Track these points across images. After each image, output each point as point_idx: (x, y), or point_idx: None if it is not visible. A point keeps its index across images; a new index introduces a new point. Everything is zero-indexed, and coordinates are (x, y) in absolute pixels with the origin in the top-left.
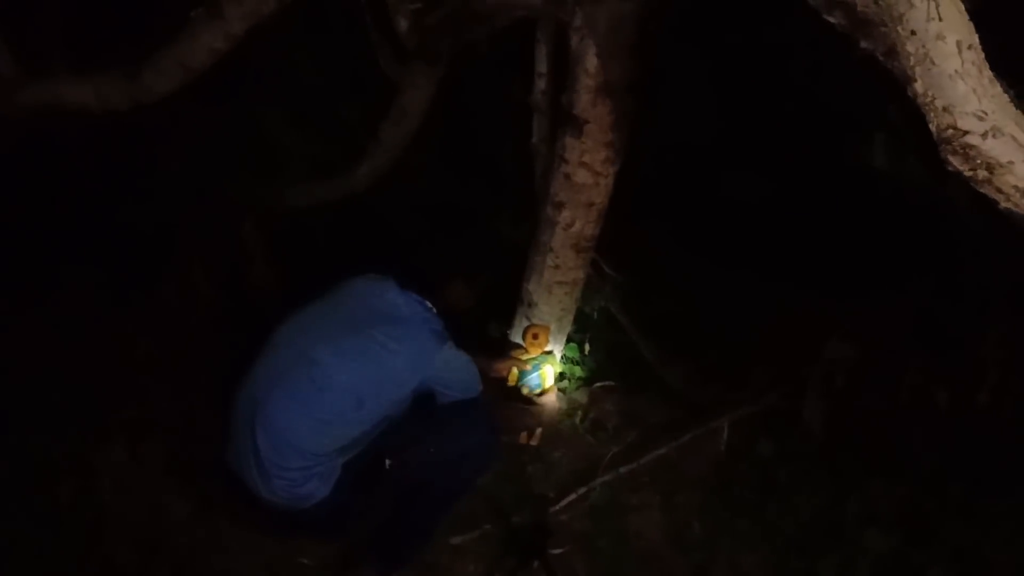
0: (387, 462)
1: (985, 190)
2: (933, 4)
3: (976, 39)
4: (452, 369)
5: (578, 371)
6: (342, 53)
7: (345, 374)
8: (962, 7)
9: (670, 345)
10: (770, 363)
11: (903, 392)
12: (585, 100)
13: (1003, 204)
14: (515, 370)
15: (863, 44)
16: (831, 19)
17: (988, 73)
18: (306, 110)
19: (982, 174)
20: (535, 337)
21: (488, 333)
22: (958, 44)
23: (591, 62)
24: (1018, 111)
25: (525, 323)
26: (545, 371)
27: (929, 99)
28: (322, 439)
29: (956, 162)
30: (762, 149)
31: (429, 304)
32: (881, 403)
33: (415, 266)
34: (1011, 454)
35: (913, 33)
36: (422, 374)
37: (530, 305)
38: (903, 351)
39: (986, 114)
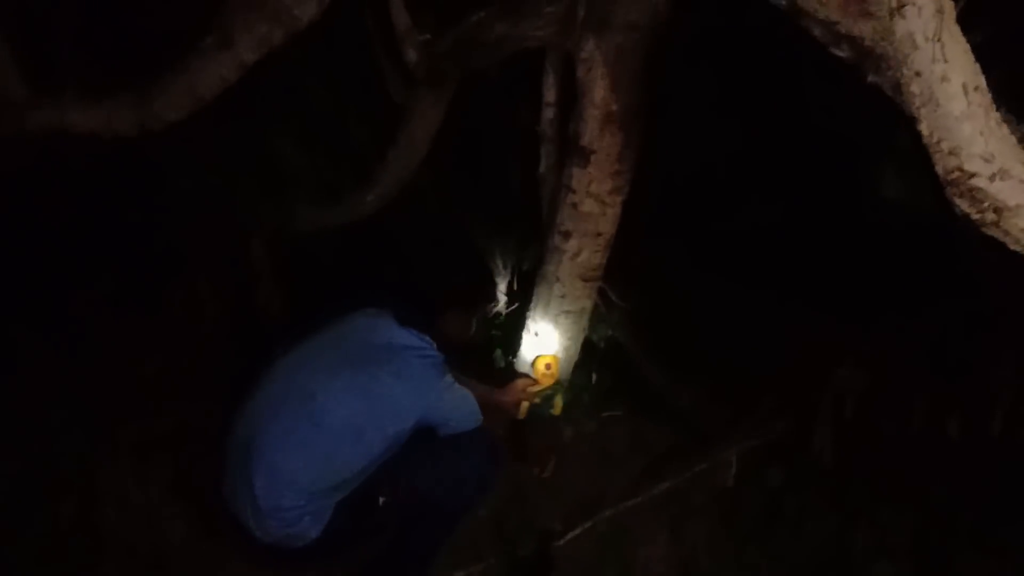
0: (380, 500)
1: (993, 232)
2: (939, 46)
3: (982, 80)
4: (451, 403)
5: (586, 399)
6: (351, 78)
7: (343, 410)
8: (968, 48)
9: (679, 372)
10: (780, 389)
11: (914, 420)
12: (592, 130)
13: (1012, 247)
14: (525, 401)
15: (871, 78)
16: (839, 53)
17: (995, 115)
18: (315, 133)
19: (989, 217)
20: (545, 367)
21: (495, 363)
22: (964, 86)
23: (598, 92)
24: None
25: (532, 352)
26: (554, 401)
27: (935, 141)
28: (319, 476)
29: (963, 205)
30: (774, 173)
31: (428, 338)
32: (892, 431)
33: (416, 297)
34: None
35: (918, 74)
36: (421, 409)
37: (537, 334)
38: (914, 378)
39: (993, 157)
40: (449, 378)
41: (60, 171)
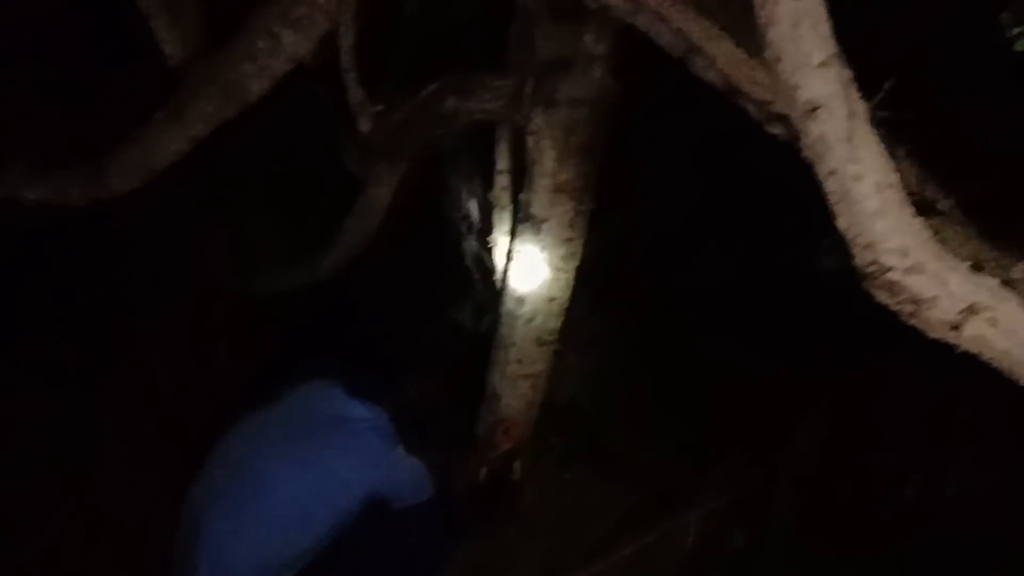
0: None
1: (914, 323)
2: (851, 147)
3: (895, 178)
4: (401, 475)
5: (547, 463)
6: (308, 144)
7: (289, 489)
8: (880, 148)
9: (642, 432)
10: (744, 445)
11: (873, 479)
12: (542, 200)
13: (932, 335)
14: (484, 467)
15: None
16: (774, 132)
17: (909, 210)
18: (274, 198)
19: (908, 308)
20: (504, 431)
21: (453, 428)
22: (877, 184)
23: (547, 164)
24: (940, 247)
25: (491, 417)
26: (515, 465)
27: (852, 236)
28: (266, 560)
29: (882, 296)
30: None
31: (378, 408)
32: (852, 490)
33: (369, 363)
34: (982, 545)
35: (832, 173)
36: (369, 482)
37: (495, 399)
38: (874, 436)
39: (908, 251)
40: (400, 449)
41: (13, 234)
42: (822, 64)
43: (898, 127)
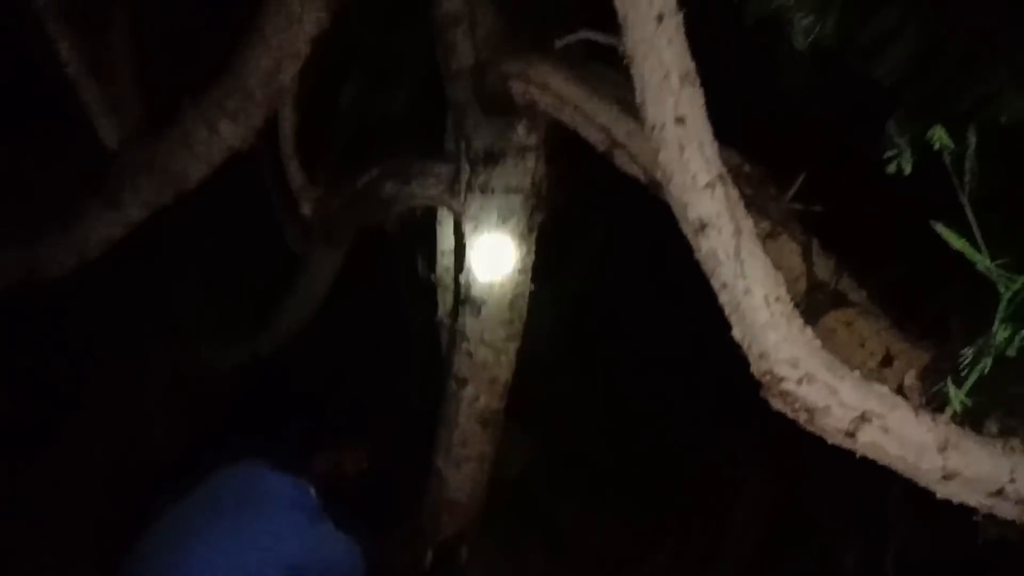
0: None
1: (811, 430)
2: (739, 263)
3: (783, 290)
4: (327, 550)
5: (494, 542)
6: (252, 224)
7: (213, 569)
8: (768, 262)
9: (588, 506)
10: (687, 520)
11: (814, 551)
12: (481, 282)
13: (830, 441)
14: (429, 550)
15: None
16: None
17: (798, 322)
18: (214, 277)
19: (803, 416)
20: (450, 513)
21: (397, 510)
22: (765, 297)
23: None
24: (831, 356)
25: (436, 499)
26: (460, 549)
27: (746, 346)
28: None
29: (778, 404)
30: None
31: (305, 483)
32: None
33: (302, 438)
34: None
35: (724, 286)
36: (293, 557)
37: (440, 480)
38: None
39: (798, 362)
40: (327, 525)
41: None
42: (708, 185)
43: (812, 219)
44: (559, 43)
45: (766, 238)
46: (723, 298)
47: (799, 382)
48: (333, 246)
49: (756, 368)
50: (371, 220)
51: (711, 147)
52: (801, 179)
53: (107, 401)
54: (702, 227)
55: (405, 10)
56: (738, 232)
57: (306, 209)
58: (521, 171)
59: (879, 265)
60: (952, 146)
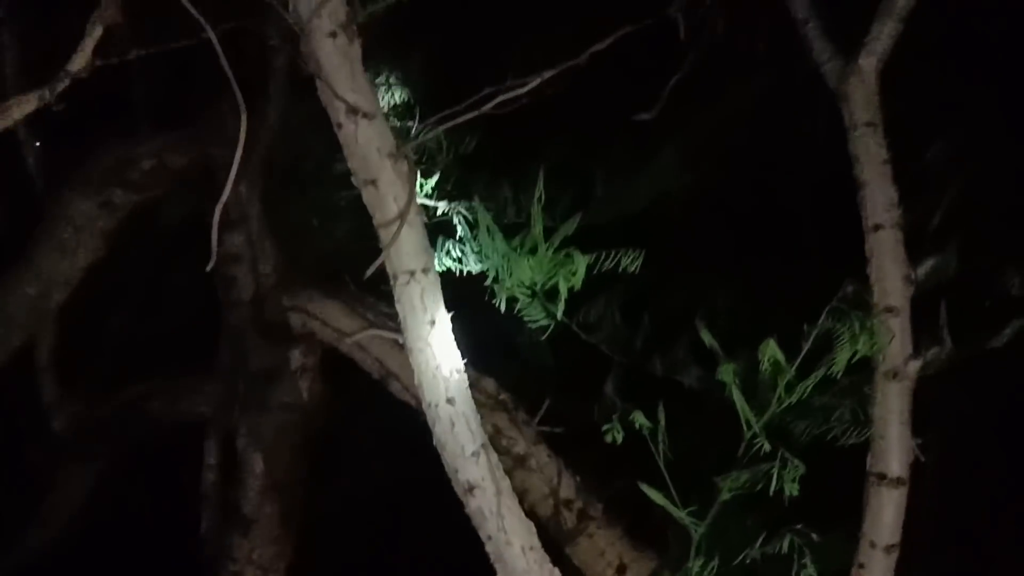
0: None
1: None
2: (500, 518)
3: (536, 540)
4: None
5: None
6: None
7: None
8: (523, 515)
9: None
10: None
11: None
12: (252, 499)
13: None
14: None
15: None
16: None
17: (548, 566)
18: None
19: None
20: None
21: None
22: (523, 547)
23: (257, 465)
24: None
25: None
26: None
27: None
28: None
29: None
30: None
31: None
32: None
33: None
34: None
35: (490, 538)
36: None
37: None
38: None
39: None
40: None
41: None
42: (474, 454)
43: (562, 444)
44: (369, 272)
45: (517, 465)
46: (489, 548)
47: None
48: (84, 466)
49: None
50: (134, 436)
51: (475, 421)
52: (546, 405)
53: None
54: (470, 488)
55: (181, 244)
56: (499, 492)
57: (59, 424)
58: (297, 390)
59: (611, 479)
60: (650, 425)
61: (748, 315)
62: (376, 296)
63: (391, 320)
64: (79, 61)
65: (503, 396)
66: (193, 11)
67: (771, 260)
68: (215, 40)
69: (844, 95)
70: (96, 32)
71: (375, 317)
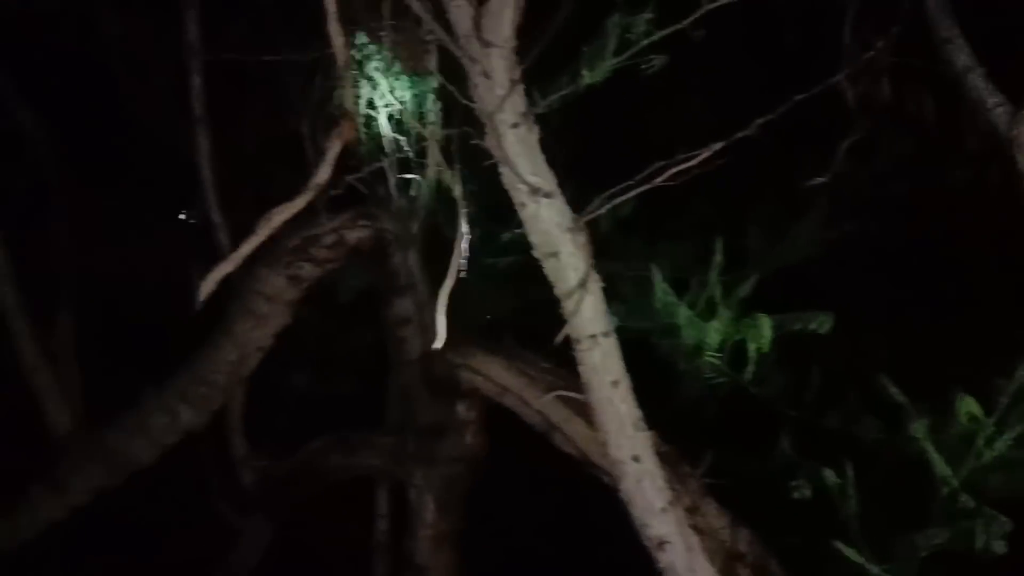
0: None
1: None
2: (692, 572)
3: None
4: None
5: None
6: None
7: None
8: (713, 572)
9: None
10: None
11: None
12: (424, 549)
13: None
14: None
15: None
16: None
17: None
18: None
19: None
20: None
21: None
22: None
23: (428, 515)
24: None
25: None
26: None
27: None
28: None
29: None
30: None
31: None
32: None
33: None
34: None
35: None
36: None
37: None
38: None
39: None
40: None
41: None
42: (663, 510)
43: (721, 489)
44: (559, 338)
45: (689, 515)
46: None
47: None
48: (268, 518)
49: None
50: (312, 489)
51: (661, 477)
52: (710, 457)
53: None
54: (660, 543)
55: (357, 309)
56: (690, 548)
57: (247, 479)
58: (462, 444)
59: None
60: (839, 481)
61: (918, 368)
62: (534, 351)
63: (549, 375)
64: (323, 174)
65: (664, 448)
66: None
67: (932, 311)
68: None
69: (1018, 141)
70: (336, 148)
71: (536, 372)
